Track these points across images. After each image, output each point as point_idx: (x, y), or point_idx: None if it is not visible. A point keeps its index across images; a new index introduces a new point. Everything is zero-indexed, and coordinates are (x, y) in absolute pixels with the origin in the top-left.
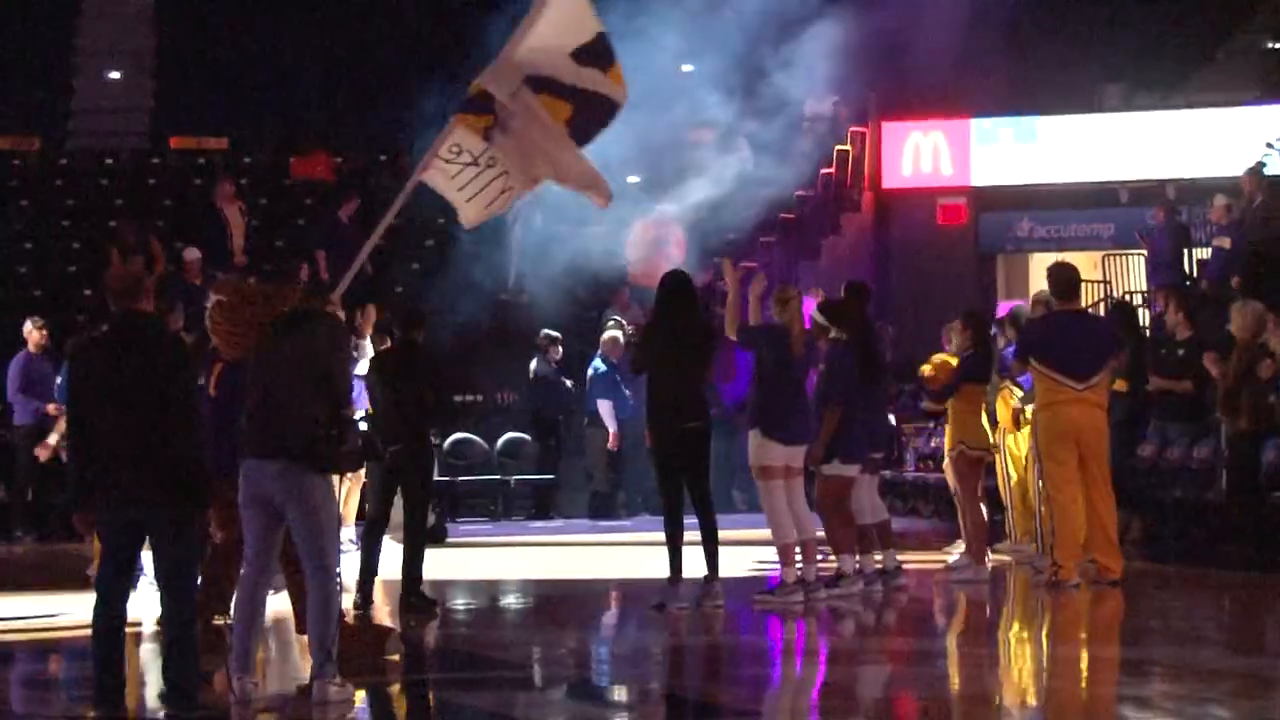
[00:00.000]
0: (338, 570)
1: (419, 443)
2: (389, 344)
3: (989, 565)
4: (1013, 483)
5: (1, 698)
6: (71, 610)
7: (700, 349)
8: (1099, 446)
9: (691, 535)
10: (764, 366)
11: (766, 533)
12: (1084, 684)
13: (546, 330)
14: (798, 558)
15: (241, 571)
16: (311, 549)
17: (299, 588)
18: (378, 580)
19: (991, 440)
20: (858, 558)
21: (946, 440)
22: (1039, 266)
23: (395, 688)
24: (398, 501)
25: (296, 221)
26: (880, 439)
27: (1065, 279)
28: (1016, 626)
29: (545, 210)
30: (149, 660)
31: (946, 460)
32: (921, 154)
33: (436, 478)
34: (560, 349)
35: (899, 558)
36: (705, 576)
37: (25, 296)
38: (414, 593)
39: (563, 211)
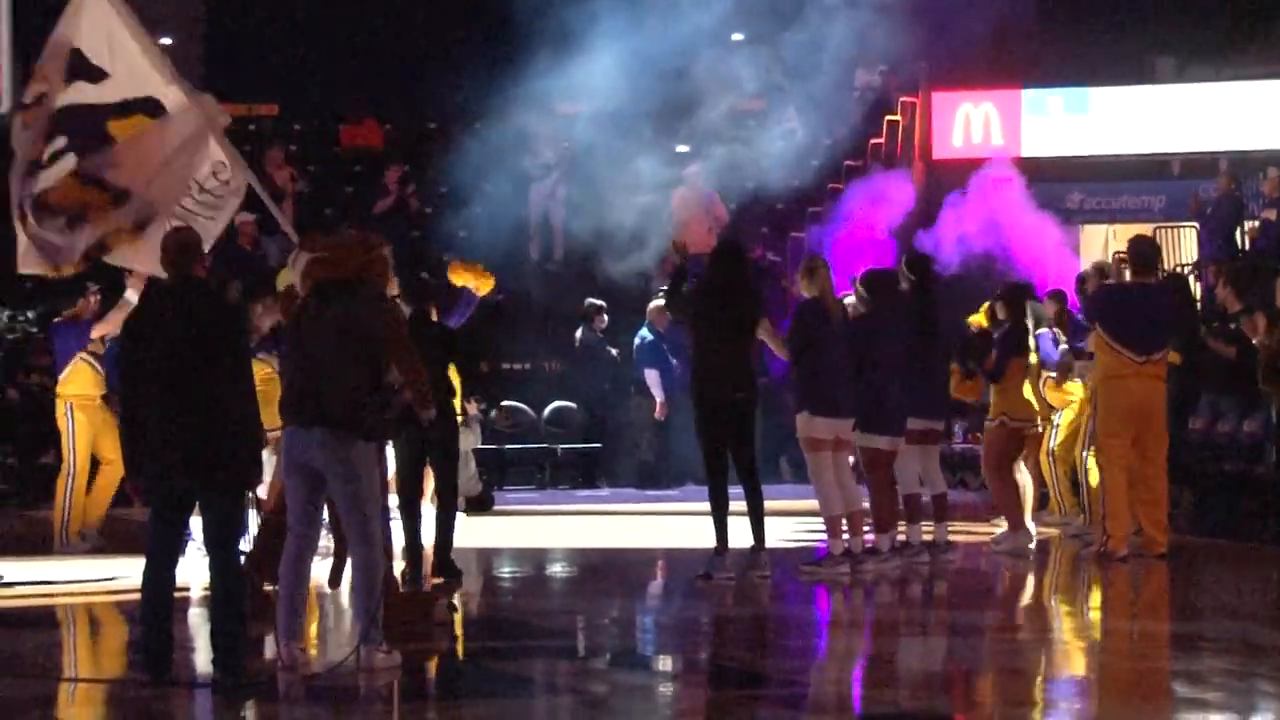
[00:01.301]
0: (383, 537)
1: (439, 415)
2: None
3: (1033, 534)
4: (1057, 456)
5: (53, 661)
6: (126, 574)
7: (748, 317)
8: (1157, 420)
9: (737, 505)
10: (802, 342)
11: (813, 503)
12: (1131, 658)
13: (591, 299)
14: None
15: (287, 537)
16: (354, 517)
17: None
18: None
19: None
20: (902, 530)
21: (990, 410)
22: (1090, 238)
23: (442, 655)
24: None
25: (346, 189)
26: (934, 409)
27: (1144, 251)
28: (1061, 599)
29: (589, 178)
30: (197, 626)
31: (986, 430)
32: (972, 124)
33: (482, 446)
34: (605, 317)
35: (949, 530)
36: (752, 547)
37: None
38: (444, 561)
39: (608, 179)
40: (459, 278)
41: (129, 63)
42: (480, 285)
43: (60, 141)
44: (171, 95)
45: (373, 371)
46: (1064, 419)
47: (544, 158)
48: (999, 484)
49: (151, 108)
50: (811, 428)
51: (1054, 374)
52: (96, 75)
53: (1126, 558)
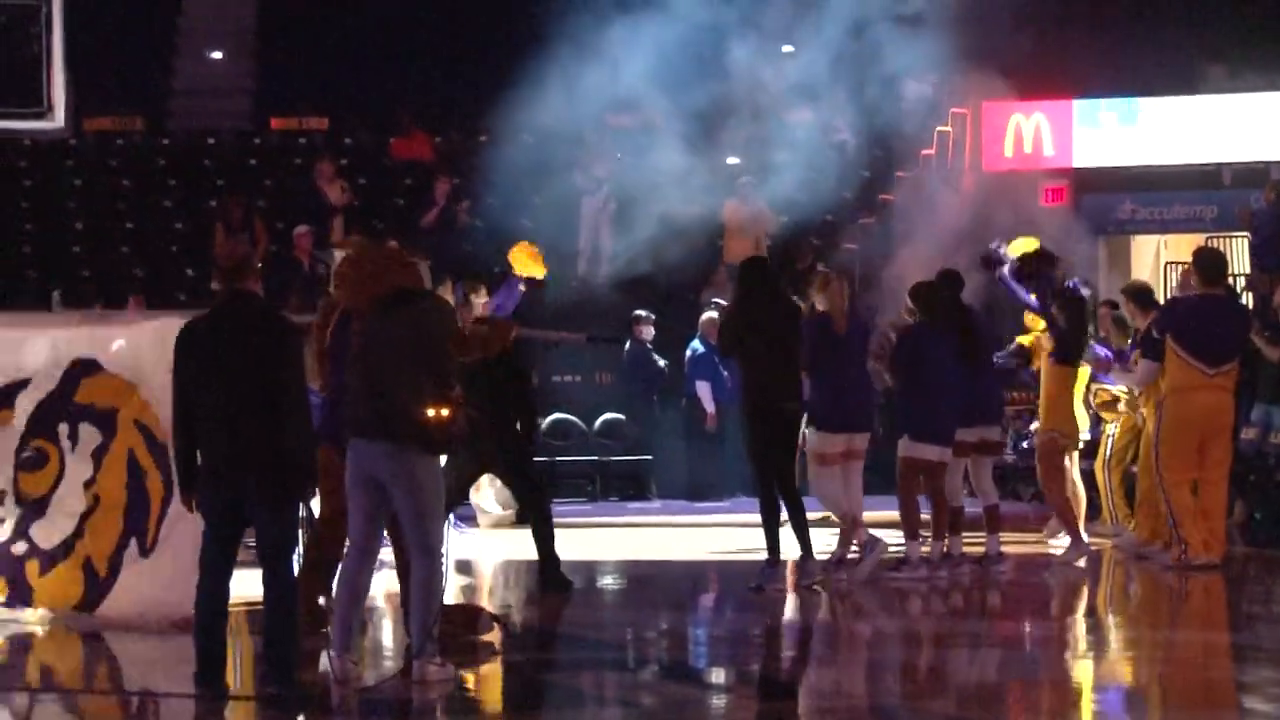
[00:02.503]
0: (442, 552)
1: (499, 428)
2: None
3: (1089, 544)
4: (1111, 466)
5: (107, 674)
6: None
7: (791, 329)
8: (1224, 431)
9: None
10: (809, 358)
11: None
12: (1189, 668)
13: (637, 310)
14: (925, 534)
15: (345, 551)
16: (416, 530)
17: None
18: (474, 562)
19: (1088, 424)
20: (946, 541)
21: (1040, 423)
22: (1141, 248)
23: (493, 668)
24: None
25: (396, 201)
26: (987, 419)
27: (1212, 262)
28: (1115, 610)
29: (639, 190)
30: (251, 638)
31: (1038, 444)
32: (1024, 135)
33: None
34: (652, 328)
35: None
36: (800, 557)
37: (127, 277)
38: (551, 573)
39: (659, 190)
40: (513, 258)
41: None
42: (529, 268)
43: None
44: None
45: (439, 384)
46: (1118, 431)
47: (594, 171)
48: (1060, 494)
49: None
50: (824, 442)
51: (1106, 379)
52: None
53: (1210, 564)
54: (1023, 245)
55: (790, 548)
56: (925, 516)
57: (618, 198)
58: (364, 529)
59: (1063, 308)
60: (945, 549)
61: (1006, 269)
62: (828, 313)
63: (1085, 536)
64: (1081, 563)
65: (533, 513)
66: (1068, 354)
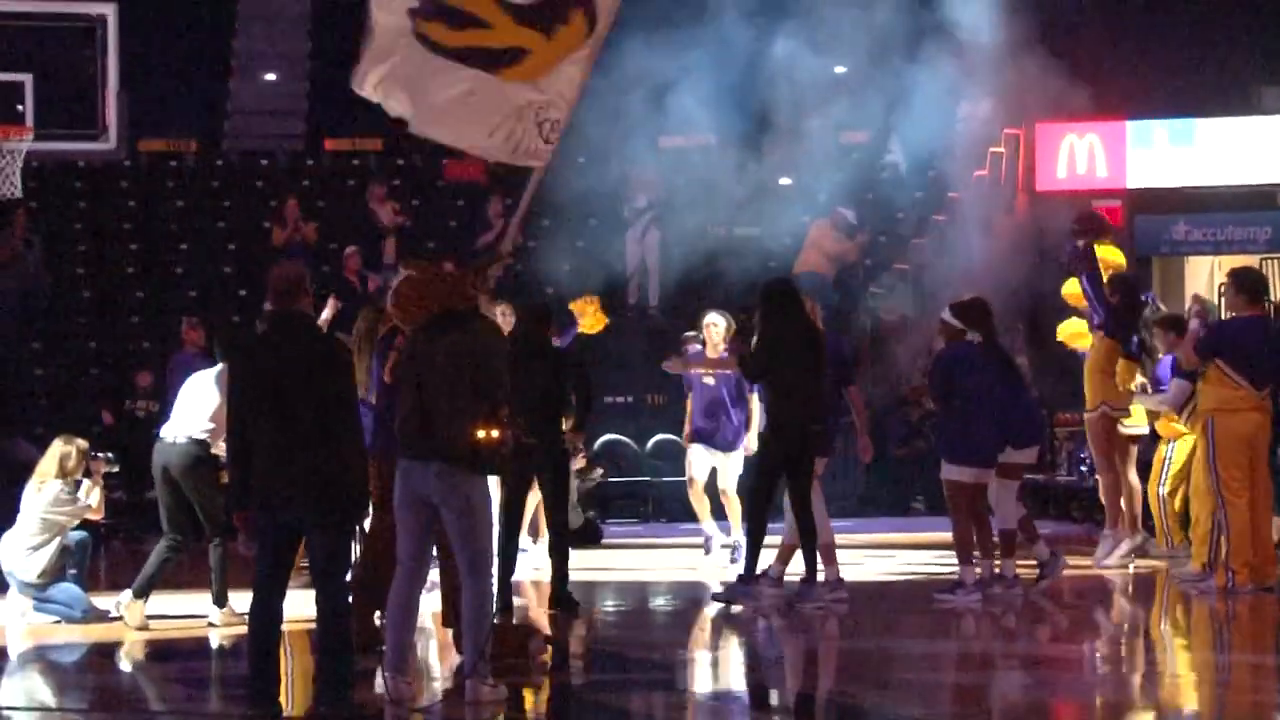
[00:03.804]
0: (493, 572)
1: (550, 440)
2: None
3: (1140, 535)
4: (1166, 488)
5: (161, 695)
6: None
7: (818, 351)
8: (1265, 452)
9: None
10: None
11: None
12: (1242, 691)
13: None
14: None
15: (396, 571)
16: (467, 550)
17: (452, 587)
18: (525, 582)
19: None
20: (997, 563)
21: (1086, 401)
22: (1195, 270)
23: (544, 689)
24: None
25: (449, 223)
26: (1021, 442)
27: (1252, 282)
28: (1170, 632)
29: (689, 212)
30: (305, 659)
31: (1087, 422)
32: (1077, 156)
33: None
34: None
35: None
36: (803, 578)
37: (181, 298)
38: (561, 594)
39: (711, 212)
40: (577, 307)
41: None
42: (591, 323)
43: None
44: None
45: (490, 405)
46: (1176, 453)
47: (637, 202)
48: (1116, 478)
49: None
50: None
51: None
52: None
53: (1264, 588)
54: (1104, 253)
55: (769, 566)
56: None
57: (666, 219)
58: (413, 549)
59: (1118, 288)
60: (996, 569)
61: (1088, 275)
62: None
63: (1126, 533)
64: (1122, 549)
65: (552, 528)
66: (1116, 329)
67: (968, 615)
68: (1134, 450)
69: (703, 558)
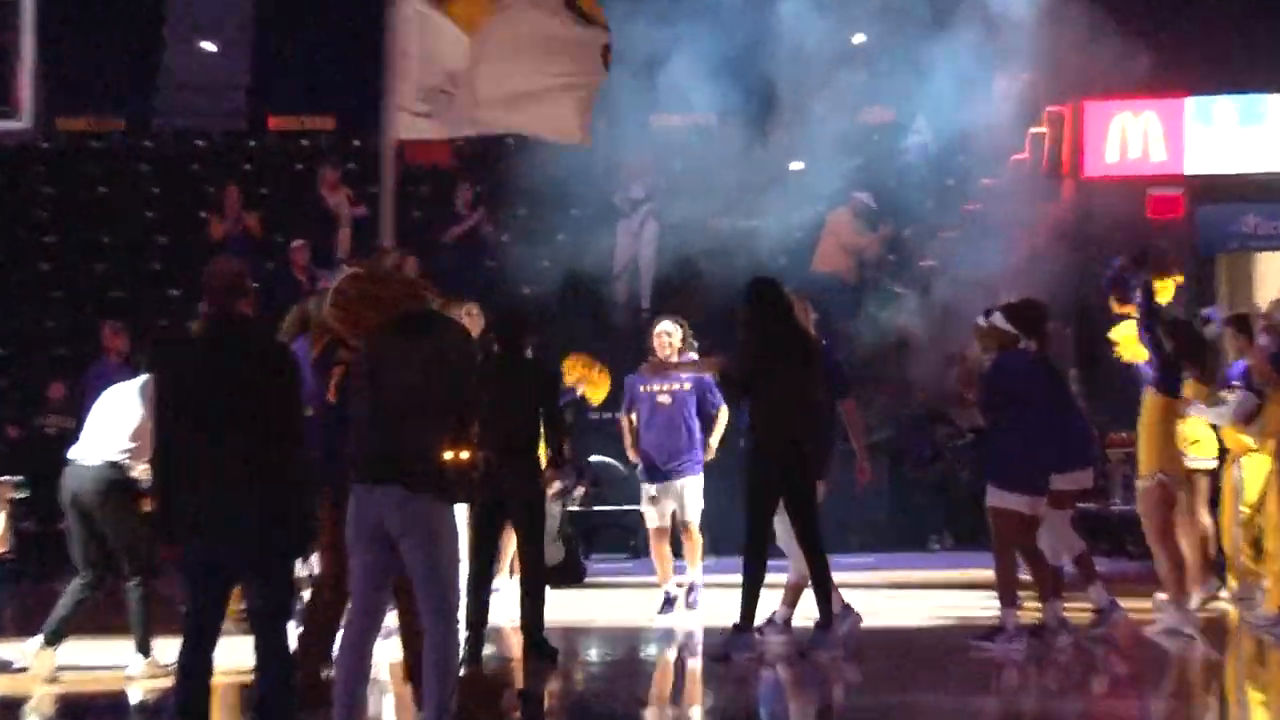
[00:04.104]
0: (459, 617)
1: (525, 466)
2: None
3: (1194, 610)
4: (1243, 517)
5: None
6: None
7: (812, 359)
8: None
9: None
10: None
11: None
12: None
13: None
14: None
15: (347, 616)
16: (433, 589)
17: (413, 633)
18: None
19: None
20: (1051, 606)
21: (1139, 466)
22: (1267, 268)
23: None
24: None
25: (412, 214)
26: (1081, 461)
27: None
28: (1240, 685)
29: (688, 199)
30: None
31: (1139, 491)
32: (1130, 137)
33: (573, 508)
34: (692, 354)
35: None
36: (816, 623)
37: (103, 298)
38: (536, 640)
39: (708, 202)
40: (572, 371)
41: None
42: (589, 390)
43: None
44: None
45: (460, 422)
46: (1246, 475)
47: (632, 191)
48: (1170, 550)
49: None
50: None
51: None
52: None
53: None
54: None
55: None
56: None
57: (662, 211)
58: (368, 589)
59: (1173, 330)
60: (1054, 611)
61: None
62: None
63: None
64: (1181, 625)
65: (525, 566)
66: (1171, 383)
67: (1009, 665)
68: (1204, 485)
69: (658, 616)
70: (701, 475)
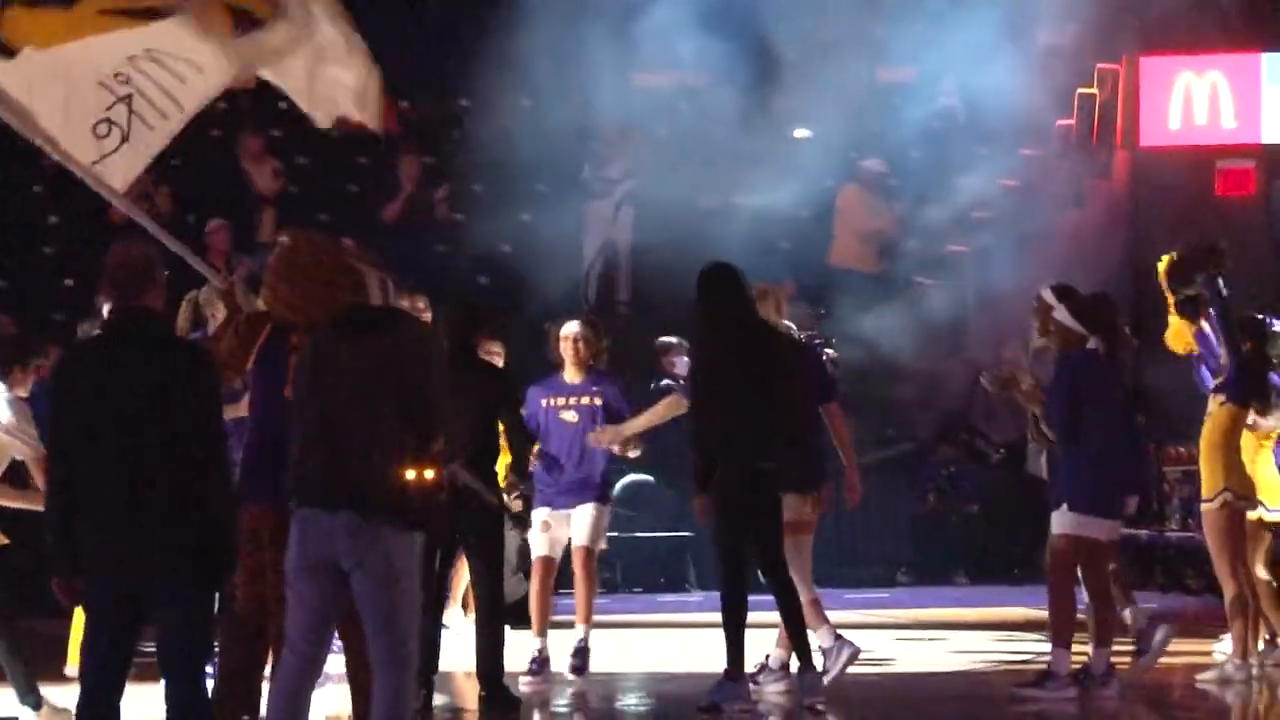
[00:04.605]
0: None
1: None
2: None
3: (1256, 662)
4: None
5: None
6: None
7: (773, 360)
8: None
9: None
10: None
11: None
12: None
13: (665, 338)
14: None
15: (283, 657)
16: (388, 632)
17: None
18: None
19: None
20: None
21: (1203, 486)
22: None
23: None
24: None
25: (348, 188)
26: (1143, 483)
27: None
28: None
29: (670, 176)
30: None
31: (1205, 514)
32: (1195, 100)
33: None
34: (685, 359)
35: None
36: (799, 667)
37: None
38: (494, 688)
39: (702, 176)
40: None
41: None
42: None
43: None
44: None
45: (422, 435)
46: None
47: (607, 169)
48: (1238, 582)
49: None
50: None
51: None
52: None
53: None
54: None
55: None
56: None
57: (642, 191)
58: (309, 628)
59: (1245, 329)
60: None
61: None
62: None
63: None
64: (1236, 675)
65: (480, 602)
66: (1248, 390)
67: (1060, 718)
68: (1268, 539)
69: (524, 679)
70: (608, 506)
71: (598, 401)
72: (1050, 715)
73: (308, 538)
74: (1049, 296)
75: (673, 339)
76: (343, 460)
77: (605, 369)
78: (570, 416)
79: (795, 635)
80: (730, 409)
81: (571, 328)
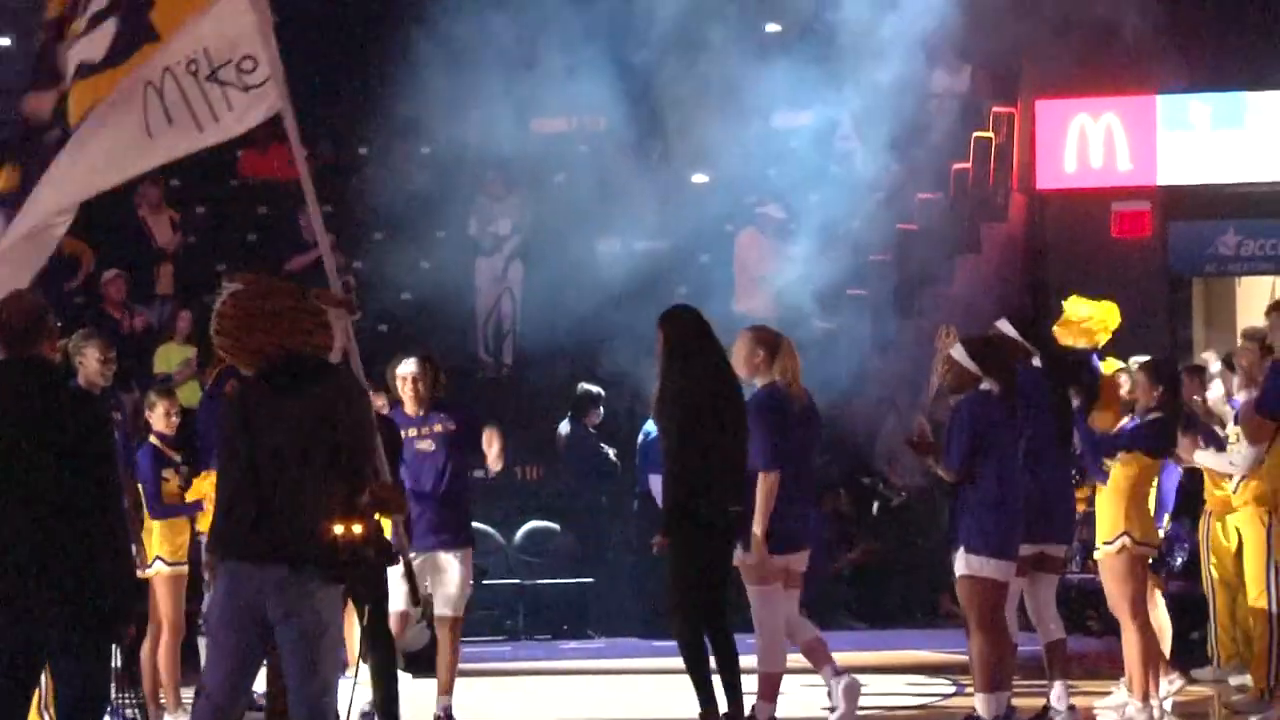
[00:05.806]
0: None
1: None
2: None
3: (1158, 704)
4: (1216, 586)
5: None
6: None
7: (737, 402)
8: None
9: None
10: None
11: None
12: None
13: (586, 385)
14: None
15: (198, 705)
16: (311, 685)
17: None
18: None
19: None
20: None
21: (1099, 528)
22: (1250, 294)
23: None
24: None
25: (247, 237)
26: (1051, 525)
27: None
28: None
29: (566, 222)
30: None
31: (1102, 557)
32: (1090, 142)
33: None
34: (601, 410)
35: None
36: (726, 714)
37: None
38: None
39: (595, 222)
40: None
41: None
42: None
43: None
44: None
45: (349, 488)
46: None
47: (496, 225)
48: (1141, 629)
49: None
50: (764, 559)
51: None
52: None
53: None
54: (1094, 313)
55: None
56: None
57: (537, 231)
58: (227, 680)
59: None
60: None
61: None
62: (783, 385)
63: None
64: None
65: (373, 647)
66: (1150, 442)
67: None
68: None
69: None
70: (470, 551)
71: (451, 427)
72: None
73: (236, 589)
74: (947, 336)
75: (593, 389)
76: (272, 513)
77: (446, 400)
78: (425, 445)
79: (733, 688)
80: (713, 451)
81: (409, 367)
